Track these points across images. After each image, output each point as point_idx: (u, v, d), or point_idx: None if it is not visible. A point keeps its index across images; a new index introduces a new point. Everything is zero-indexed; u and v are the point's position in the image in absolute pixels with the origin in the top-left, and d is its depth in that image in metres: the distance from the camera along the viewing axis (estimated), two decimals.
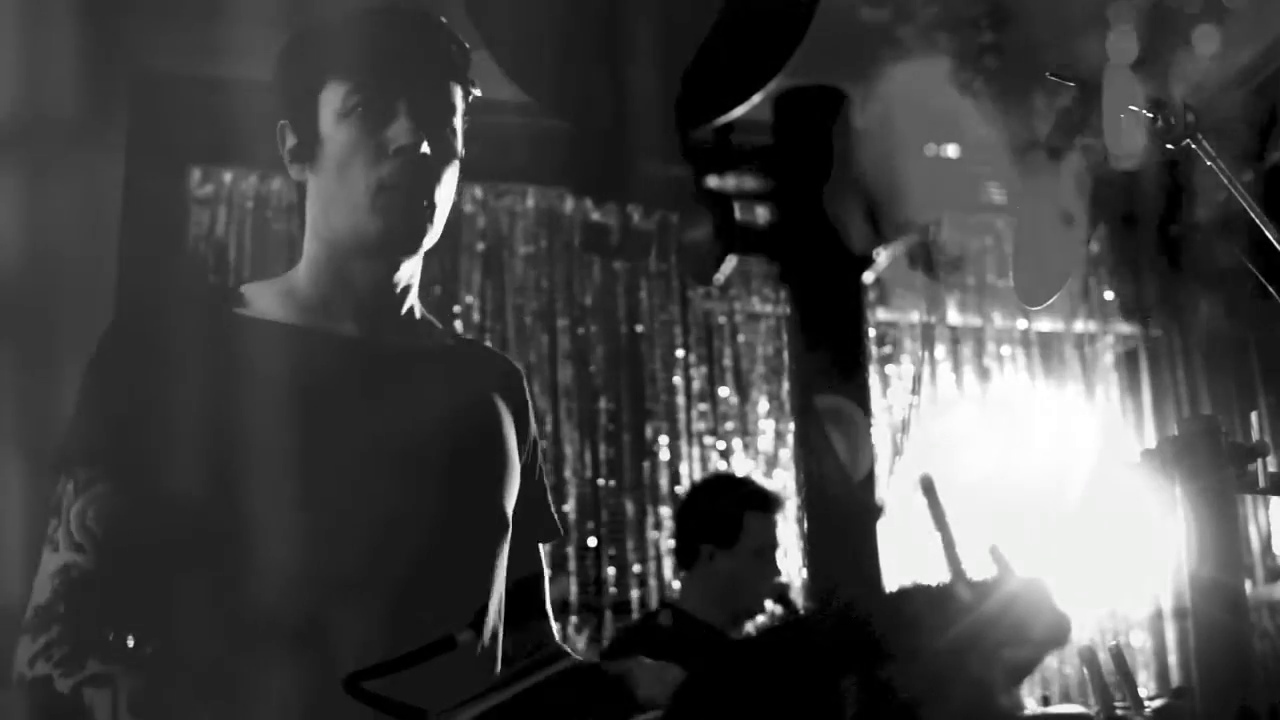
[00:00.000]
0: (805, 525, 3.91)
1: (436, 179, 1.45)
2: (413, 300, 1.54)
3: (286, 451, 1.37)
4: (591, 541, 4.10)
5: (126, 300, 3.47)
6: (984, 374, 4.52)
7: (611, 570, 4.09)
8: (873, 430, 3.80)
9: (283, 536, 1.35)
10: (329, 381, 1.43)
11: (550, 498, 1.67)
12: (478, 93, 1.53)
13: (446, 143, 1.47)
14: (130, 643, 1.34)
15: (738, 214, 3.90)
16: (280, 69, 1.51)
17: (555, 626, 1.67)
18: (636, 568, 4.11)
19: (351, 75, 1.44)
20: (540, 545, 1.64)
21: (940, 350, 4.50)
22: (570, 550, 4.03)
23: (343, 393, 1.43)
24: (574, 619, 4.01)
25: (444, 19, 1.51)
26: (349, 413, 1.42)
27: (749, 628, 3.05)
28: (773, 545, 3.10)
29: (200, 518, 1.34)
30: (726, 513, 3.13)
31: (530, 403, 1.64)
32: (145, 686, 1.28)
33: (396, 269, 1.48)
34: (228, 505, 1.34)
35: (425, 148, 1.42)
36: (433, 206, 1.45)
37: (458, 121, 1.50)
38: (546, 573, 1.64)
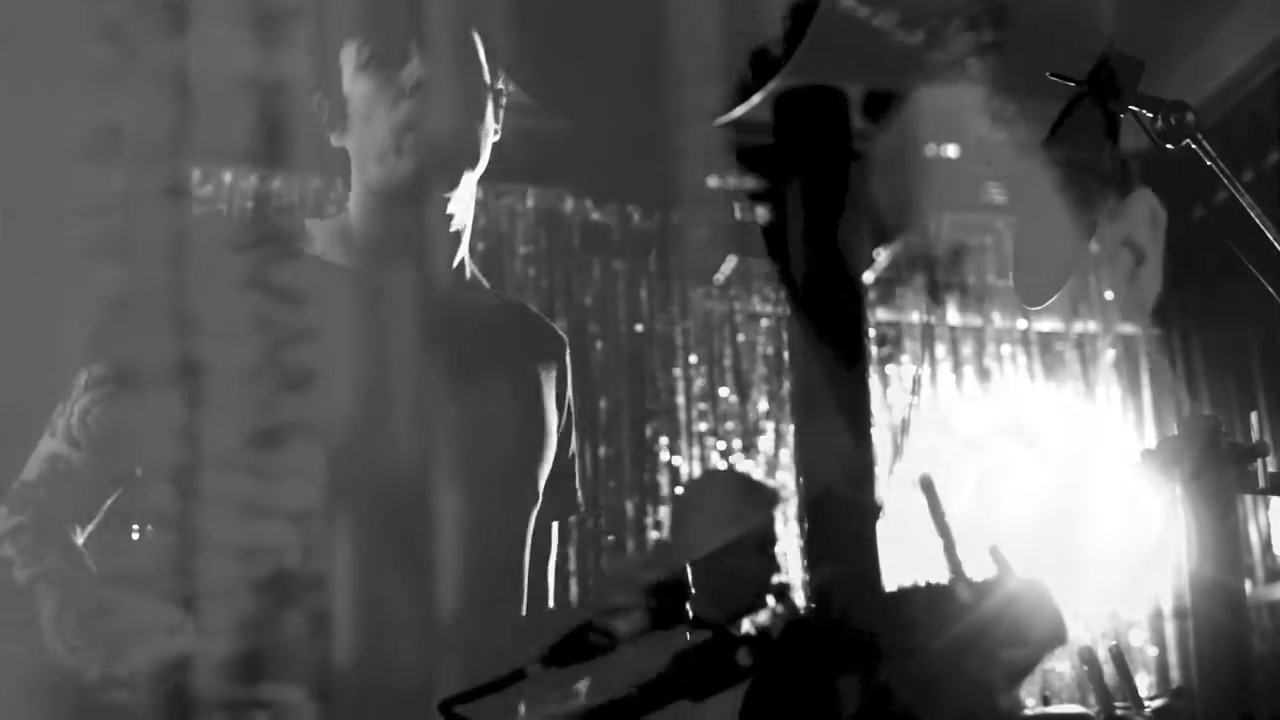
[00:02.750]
0: (805, 525, 3.90)
1: (463, 111, 1.45)
2: (463, 253, 1.53)
3: (329, 396, 1.37)
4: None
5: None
6: (984, 374, 4.52)
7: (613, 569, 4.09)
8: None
9: (313, 480, 1.35)
10: (374, 328, 1.44)
11: (577, 471, 1.66)
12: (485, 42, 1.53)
13: (470, 75, 1.47)
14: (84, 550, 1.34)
15: (738, 214, 3.89)
16: (308, 44, 1.52)
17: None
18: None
19: (363, 29, 1.45)
20: (555, 522, 1.63)
21: (940, 350, 4.50)
22: (571, 550, 4.02)
23: (388, 342, 1.43)
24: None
25: None
26: (393, 363, 1.42)
27: (747, 625, 3.04)
28: (772, 540, 3.09)
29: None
30: (725, 511, 3.12)
31: (569, 375, 1.63)
32: (91, 594, 1.29)
33: (443, 212, 1.47)
34: (258, 420, 1.34)
35: (443, 81, 1.43)
36: (463, 139, 1.45)
37: (480, 54, 1.50)
38: (554, 551, 1.64)
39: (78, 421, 1.36)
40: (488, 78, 1.49)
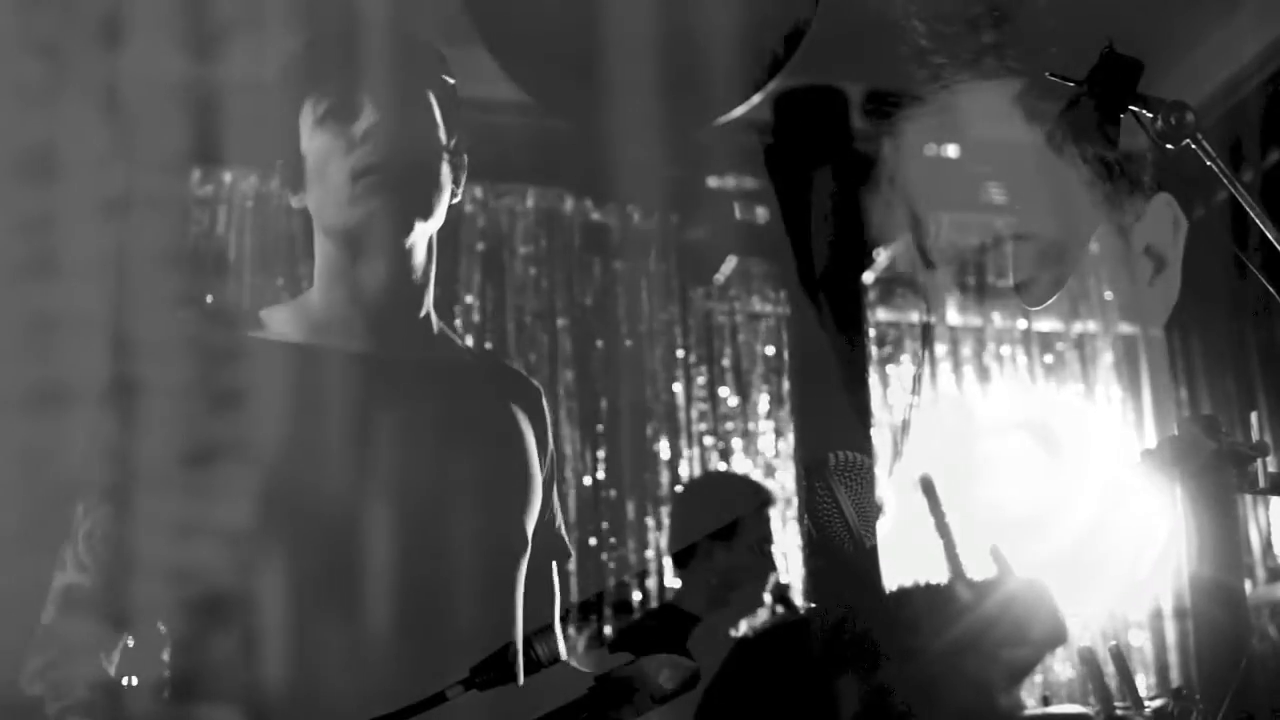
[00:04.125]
0: (804, 524, 3.91)
1: (416, 157, 1.47)
2: (428, 308, 1.54)
3: (303, 471, 1.38)
4: (592, 541, 4.09)
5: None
6: (984, 374, 4.52)
7: (612, 570, 4.09)
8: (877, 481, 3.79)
9: (298, 554, 1.35)
10: (343, 399, 1.44)
11: (562, 518, 1.67)
12: (451, 81, 1.55)
13: (422, 125, 1.49)
14: (130, 642, 1.35)
15: (738, 214, 3.89)
16: (271, 110, 1.54)
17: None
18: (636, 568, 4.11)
19: (318, 87, 1.47)
20: (554, 565, 1.64)
21: (940, 350, 4.50)
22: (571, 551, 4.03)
23: (357, 410, 1.44)
24: (574, 619, 4.01)
25: (406, 25, 1.53)
26: (364, 430, 1.42)
27: (744, 626, 3.05)
28: (769, 540, 3.10)
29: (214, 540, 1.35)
30: (725, 512, 3.13)
31: (549, 421, 1.64)
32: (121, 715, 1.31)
33: (403, 265, 1.48)
34: (244, 527, 1.34)
35: (396, 129, 1.44)
36: (417, 183, 1.46)
37: (435, 110, 1.51)
38: (558, 593, 1.64)
39: (83, 549, 1.37)
40: (443, 136, 1.51)
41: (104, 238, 1.41)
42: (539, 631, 1.17)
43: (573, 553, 1.66)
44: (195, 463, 1.33)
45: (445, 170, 1.51)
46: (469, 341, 3.97)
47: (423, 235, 1.49)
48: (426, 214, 1.49)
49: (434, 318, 1.55)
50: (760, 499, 3.17)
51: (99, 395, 1.38)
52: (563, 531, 1.66)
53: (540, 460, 1.57)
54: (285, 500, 1.35)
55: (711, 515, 3.13)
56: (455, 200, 1.55)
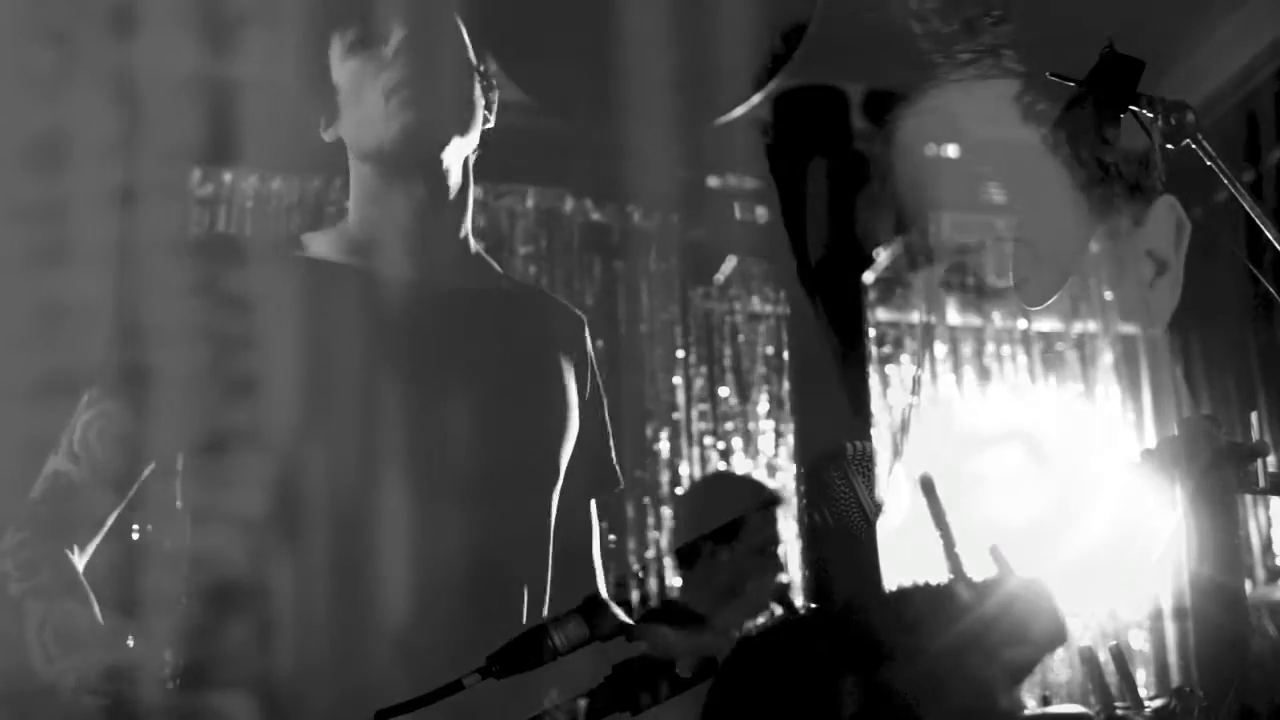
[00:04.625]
0: (804, 524, 3.90)
1: (447, 73, 1.47)
2: (466, 231, 1.53)
3: (338, 392, 1.38)
4: None
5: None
6: (984, 374, 4.52)
7: (612, 570, 4.09)
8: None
9: (323, 477, 1.35)
10: (380, 323, 1.44)
11: (612, 446, 1.65)
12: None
13: (451, 44, 1.49)
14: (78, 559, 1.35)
15: (738, 214, 3.89)
16: (299, 58, 1.54)
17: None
18: (636, 567, 4.11)
19: (346, 21, 1.48)
20: (595, 500, 1.63)
21: (940, 350, 4.50)
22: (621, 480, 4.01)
23: (393, 334, 1.44)
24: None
25: None
26: (398, 354, 1.43)
27: (749, 626, 3.04)
28: (775, 542, 3.09)
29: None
30: (726, 510, 3.12)
31: (591, 352, 1.63)
32: (75, 611, 1.30)
33: (440, 184, 1.48)
34: (270, 444, 1.35)
35: (425, 46, 1.45)
36: (450, 100, 1.46)
37: (461, 31, 1.52)
38: (597, 529, 1.63)
39: (79, 437, 1.37)
40: (472, 56, 1.51)
41: (113, 226, 1.41)
42: (557, 619, 1.17)
43: (623, 482, 1.65)
44: (232, 389, 1.33)
45: (477, 88, 1.51)
46: None
47: (458, 153, 1.49)
48: (463, 129, 1.49)
49: (472, 241, 1.55)
50: (766, 499, 3.17)
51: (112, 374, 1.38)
52: (613, 459, 1.64)
53: (580, 389, 1.56)
54: (316, 424, 1.35)
55: (717, 515, 3.12)
56: (488, 125, 1.55)
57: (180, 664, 1.33)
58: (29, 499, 1.38)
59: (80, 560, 1.38)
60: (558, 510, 1.51)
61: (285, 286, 1.42)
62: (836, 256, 3.90)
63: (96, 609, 1.34)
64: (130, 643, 1.32)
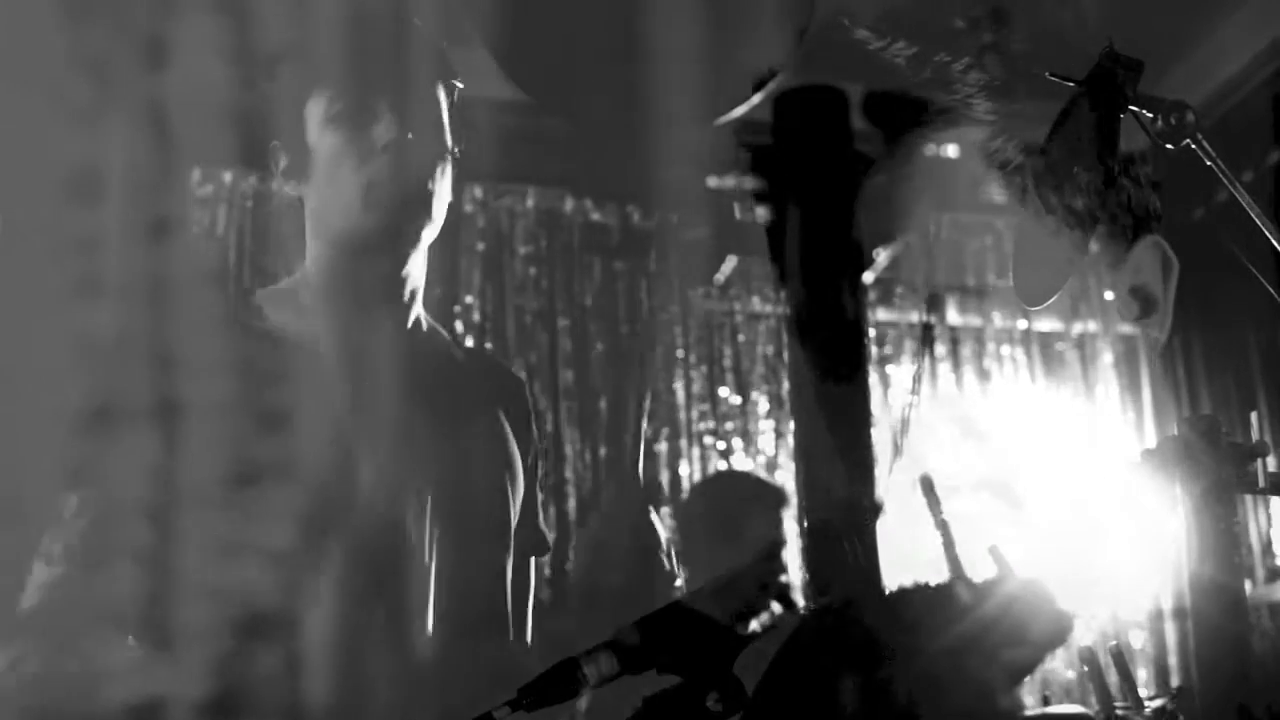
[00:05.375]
0: (804, 525, 3.90)
1: (428, 172, 1.47)
2: (418, 310, 1.54)
3: (296, 463, 1.38)
4: None
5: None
6: (984, 374, 4.52)
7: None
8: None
9: (293, 545, 1.35)
10: (336, 394, 1.44)
11: (540, 513, 1.67)
12: (460, 85, 1.55)
13: (435, 137, 1.49)
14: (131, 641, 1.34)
15: (738, 214, 3.89)
16: (269, 91, 1.53)
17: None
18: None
19: (333, 83, 1.46)
20: (532, 560, 1.64)
21: (940, 350, 4.50)
22: (571, 550, 4.02)
23: (351, 405, 1.44)
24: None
25: (417, 21, 1.52)
26: (357, 424, 1.43)
27: (754, 625, 3.04)
28: (776, 542, 3.09)
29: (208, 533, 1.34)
30: (727, 512, 3.12)
31: (533, 413, 1.64)
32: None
33: (401, 268, 1.49)
34: (245, 520, 1.34)
35: (412, 139, 1.44)
36: (427, 197, 1.47)
37: (444, 117, 1.51)
38: (533, 587, 1.64)
39: (80, 544, 1.35)
40: (449, 141, 1.51)
41: (150, 258, 1.41)
42: (588, 652, 1.16)
43: (550, 546, 1.66)
44: (238, 483, 1.33)
45: (449, 174, 1.52)
46: (469, 341, 3.97)
47: (426, 243, 1.50)
48: (433, 223, 1.49)
49: (424, 318, 1.56)
50: (768, 499, 3.17)
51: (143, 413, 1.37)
52: (542, 525, 1.66)
53: (522, 453, 1.58)
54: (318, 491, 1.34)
55: (719, 515, 3.13)
56: (448, 200, 1.55)
57: (211, 696, 1.32)
58: (22, 612, 1.34)
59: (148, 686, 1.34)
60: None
61: (252, 362, 1.41)
62: (837, 257, 3.89)
63: (112, 635, 1.32)
64: (162, 675, 1.30)
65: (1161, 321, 1.46)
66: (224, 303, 1.64)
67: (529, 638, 1.63)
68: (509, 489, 1.53)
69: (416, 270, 1.52)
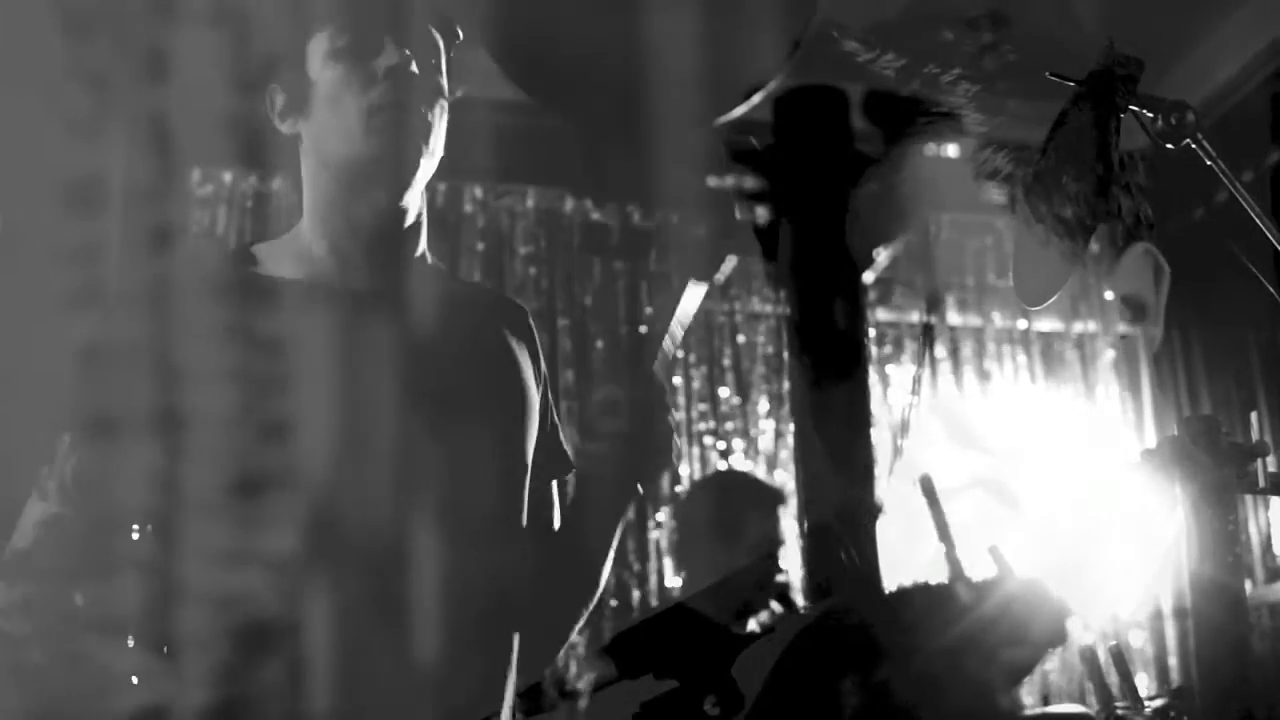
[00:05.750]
0: (804, 525, 3.90)
1: (427, 102, 1.48)
2: (422, 245, 1.55)
3: (307, 406, 1.37)
4: None
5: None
6: (984, 374, 4.52)
7: (611, 570, 4.09)
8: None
9: (302, 488, 1.35)
10: (344, 336, 1.44)
11: (563, 435, 1.67)
12: (460, 36, 1.56)
13: (433, 73, 1.50)
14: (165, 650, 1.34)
15: (738, 214, 3.89)
16: (266, 33, 1.54)
17: None
18: (636, 567, 4.11)
19: (337, 19, 1.48)
20: (554, 483, 1.65)
21: (940, 350, 4.50)
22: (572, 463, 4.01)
23: (358, 347, 1.44)
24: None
25: None
26: (366, 366, 1.43)
27: (752, 625, 3.04)
28: (775, 542, 3.09)
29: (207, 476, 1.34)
30: (726, 510, 3.12)
31: (539, 344, 1.65)
32: (88, 655, 1.29)
33: (399, 201, 1.49)
34: (239, 462, 1.34)
35: (415, 69, 1.46)
36: (426, 127, 1.48)
37: (443, 61, 1.53)
38: (558, 510, 1.65)
39: (71, 481, 1.35)
40: (446, 86, 1.52)
41: (151, 266, 1.41)
42: (587, 657, 1.17)
43: (573, 465, 1.67)
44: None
45: (444, 121, 1.53)
46: None
47: (424, 176, 1.51)
48: (431, 155, 1.50)
49: (428, 255, 1.57)
50: (766, 499, 3.17)
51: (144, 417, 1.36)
52: (564, 444, 1.66)
53: (535, 378, 1.59)
54: (295, 439, 1.35)
55: (718, 515, 3.13)
56: (440, 153, 1.56)
57: (212, 704, 1.32)
58: (15, 550, 1.34)
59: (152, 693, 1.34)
60: (529, 499, 1.52)
61: (250, 313, 1.41)
62: (838, 257, 3.90)
63: (117, 645, 1.32)
64: (163, 683, 1.30)
65: (1153, 327, 1.46)
66: (222, 257, 1.65)
67: (572, 541, 1.62)
68: (523, 419, 1.54)
69: (414, 203, 1.52)
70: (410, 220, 1.52)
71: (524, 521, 1.51)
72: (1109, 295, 4.56)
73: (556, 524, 1.64)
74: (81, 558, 1.35)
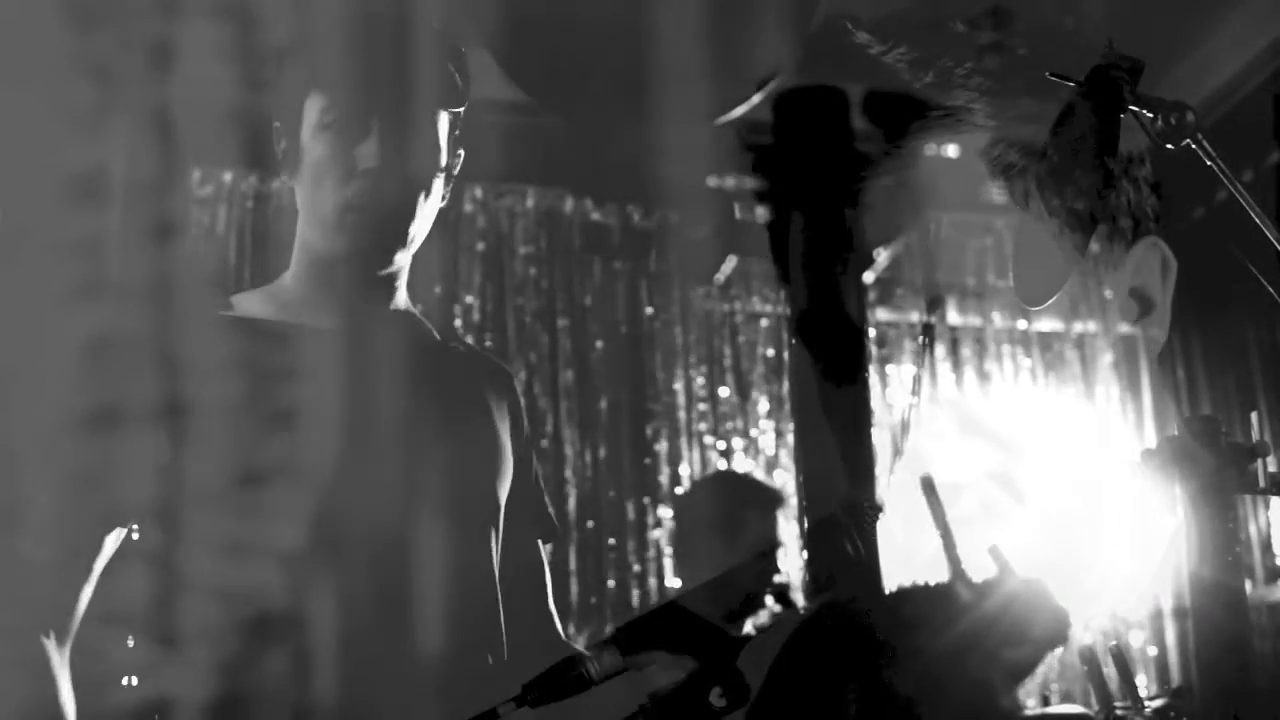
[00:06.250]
0: (805, 525, 3.90)
1: (410, 197, 1.45)
2: (401, 297, 1.54)
3: (271, 442, 1.37)
4: (591, 541, 4.09)
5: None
6: (984, 374, 4.53)
7: (612, 570, 4.09)
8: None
9: (269, 519, 1.35)
10: (309, 373, 1.44)
11: (548, 499, 1.67)
12: (464, 95, 1.53)
13: (427, 158, 1.47)
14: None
15: (738, 214, 3.89)
16: (276, 74, 1.52)
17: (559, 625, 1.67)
18: (636, 568, 4.11)
19: (329, 90, 1.45)
20: (540, 543, 1.64)
21: (940, 350, 4.50)
22: (571, 550, 4.03)
23: (324, 384, 1.43)
24: (574, 619, 4.01)
25: (437, 25, 1.50)
26: (327, 406, 1.42)
27: (749, 626, 3.04)
28: (773, 542, 3.10)
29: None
30: (725, 509, 3.13)
31: (522, 404, 1.64)
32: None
33: (378, 271, 1.49)
34: (208, 502, 1.34)
35: (398, 164, 1.43)
36: (403, 225, 1.46)
37: (442, 135, 1.49)
38: (548, 570, 1.64)
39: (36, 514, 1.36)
40: (444, 158, 1.49)
41: (155, 260, 1.41)
42: (593, 648, 1.17)
43: (560, 533, 1.66)
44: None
45: (437, 191, 1.51)
46: (469, 339, 3.97)
47: (404, 258, 1.50)
48: (407, 246, 1.49)
49: (405, 301, 1.56)
50: (765, 500, 3.18)
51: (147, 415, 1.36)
52: (548, 509, 1.65)
53: (515, 438, 1.57)
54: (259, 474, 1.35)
55: (717, 514, 3.14)
56: (443, 203, 1.54)
57: (217, 697, 1.32)
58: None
59: (61, 655, 1.33)
60: (507, 552, 1.51)
61: (215, 346, 1.40)
62: (838, 257, 3.89)
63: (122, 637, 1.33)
64: (167, 675, 1.30)
65: (1160, 322, 1.46)
66: (201, 302, 1.64)
67: (557, 625, 1.62)
68: (498, 474, 1.53)
69: (398, 271, 1.52)
70: (394, 282, 1.51)
71: (492, 556, 1.50)
72: (1109, 295, 4.55)
73: (549, 588, 1.62)
74: (38, 593, 1.35)
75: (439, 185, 1.50)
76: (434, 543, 1.41)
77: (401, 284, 1.54)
